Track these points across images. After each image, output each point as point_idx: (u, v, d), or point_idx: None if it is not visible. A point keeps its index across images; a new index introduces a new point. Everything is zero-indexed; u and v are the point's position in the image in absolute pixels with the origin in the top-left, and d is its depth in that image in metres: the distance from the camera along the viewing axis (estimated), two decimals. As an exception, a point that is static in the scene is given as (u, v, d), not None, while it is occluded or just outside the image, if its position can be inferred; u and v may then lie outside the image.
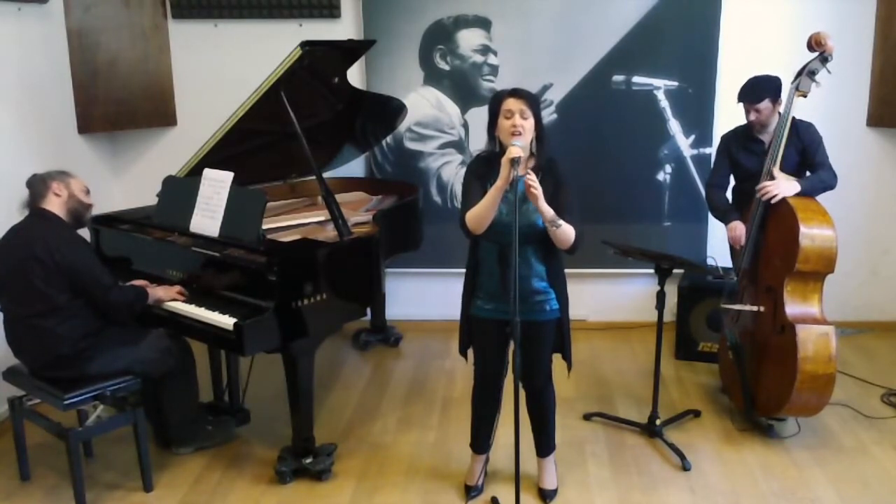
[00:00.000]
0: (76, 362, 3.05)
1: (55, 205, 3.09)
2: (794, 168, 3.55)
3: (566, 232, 2.76)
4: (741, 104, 3.61)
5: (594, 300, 4.95)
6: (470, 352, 3.07)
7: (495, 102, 2.82)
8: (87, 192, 3.20)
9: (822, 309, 3.42)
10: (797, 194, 3.42)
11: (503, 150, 2.77)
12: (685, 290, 4.46)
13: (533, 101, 2.80)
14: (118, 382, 3.10)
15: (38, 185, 3.10)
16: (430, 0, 4.58)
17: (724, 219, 3.74)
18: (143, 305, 3.16)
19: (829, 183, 3.53)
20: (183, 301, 3.22)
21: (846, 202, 4.31)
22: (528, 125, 2.76)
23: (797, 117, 3.56)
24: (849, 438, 3.57)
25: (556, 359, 3.04)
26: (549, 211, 2.70)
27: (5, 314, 3.14)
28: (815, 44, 3.46)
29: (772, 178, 3.44)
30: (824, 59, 3.46)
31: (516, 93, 2.80)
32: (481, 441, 3.14)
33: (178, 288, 3.25)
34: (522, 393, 2.82)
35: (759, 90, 3.55)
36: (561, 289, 2.93)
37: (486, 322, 2.94)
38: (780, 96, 3.56)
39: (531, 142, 2.81)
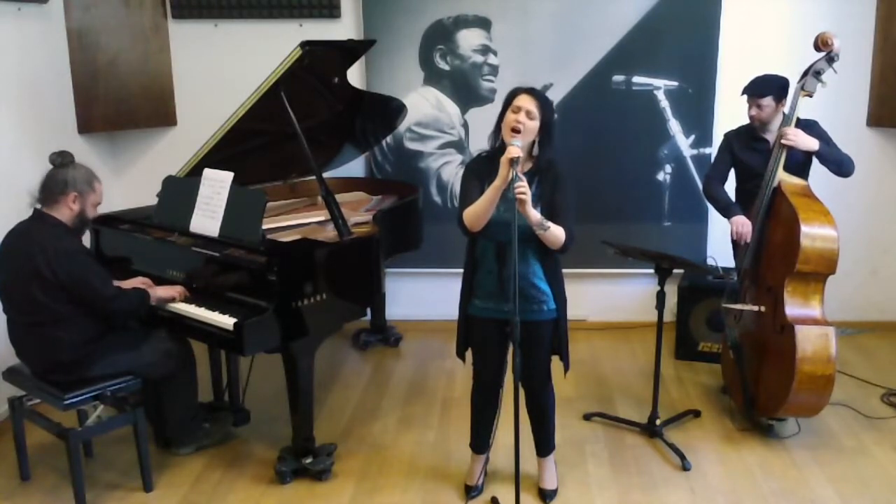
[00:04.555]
0: (78, 367, 3.05)
1: (63, 214, 3.01)
2: (798, 166, 3.54)
3: (555, 234, 2.76)
4: (744, 98, 3.60)
5: (594, 300, 4.95)
6: (468, 352, 3.07)
7: (510, 95, 2.81)
8: (98, 205, 3.12)
9: (823, 310, 3.41)
10: (811, 152, 3.45)
11: (503, 145, 2.77)
12: (685, 290, 4.46)
13: (544, 105, 2.79)
14: (118, 382, 3.10)
15: (58, 186, 2.98)
16: (430, 0, 4.58)
17: (727, 213, 3.65)
18: (146, 308, 3.15)
19: (845, 161, 3.51)
20: (183, 301, 3.22)
21: (846, 202, 4.31)
22: (531, 126, 2.75)
23: (800, 117, 3.55)
24: (849, 438, 3.57)
25: (555, 359, 3.03)
26: (535, 215, 2.71)
27: (8, 317, 3.13)
28: (821, 44, 3.46)
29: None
30: (830, 59, 3.45)
31: (531, 91, 2.80)
32: (481, 441, 3.14)
33: (179, 288, 3.24)
34: (522, 393, 2.81)
35: (763, 86, 3.55)
36: (558, 289, 2.93)
37: (485, 322, 2.94)
38: (784, 97, 3.56)
39: (532, 144, 2.81)
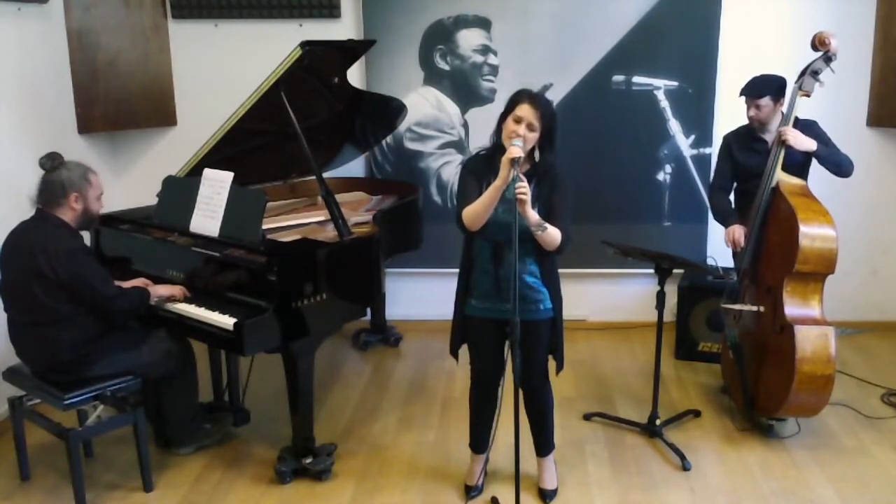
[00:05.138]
0: (78, 367, 3.05)
1: (67, 215, 3.01)
2: (798, 167, 3.54)
3: (552, 235, 2.75)
4: (743, 98, 3.61)
5: (594, 300, 4.95)
6: (462, 352, 3.06)
7: (513, 100, 2.78)
8: (101, 196, 3.12)
9: (823, 310, 3.41)
10: (810, 153, 3.44)
11: (503, 145, 2.77)
12: (685, 290, 4.46)
13: (546, 115, 2.75)
14: (118, 382, 3.10)
15: (56, 190, 2.97)
16: (430, 0, 4.58)
17: (725, 222, 3.73)
18: (147, 306, 3.15)
19: (843, 161, 3.50)
20: (183, 300, 3.22)
21: (846, 202, 4.32)
22: (531, 137, 2.74)
23: (799, 117, 3.55)
24: (849, 438, 3.57)
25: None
26: (534, 216, 2.70)
27: (9, 317, 3.13)
28: (818, 43, 3.46)
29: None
30: (828, 58, 3.45)
31: (534, 101, 2.75)
32: (480, 441, 3.14)
33: (180, 287, 3.24)
34: (521, 393, 2.81)
35: (761, 86, 3.55)
36: (554, 289, 2.93)
37: (482, 321, 2.94)
38: (782, 96, 3.56)
39: (532, 151, 2.80)
